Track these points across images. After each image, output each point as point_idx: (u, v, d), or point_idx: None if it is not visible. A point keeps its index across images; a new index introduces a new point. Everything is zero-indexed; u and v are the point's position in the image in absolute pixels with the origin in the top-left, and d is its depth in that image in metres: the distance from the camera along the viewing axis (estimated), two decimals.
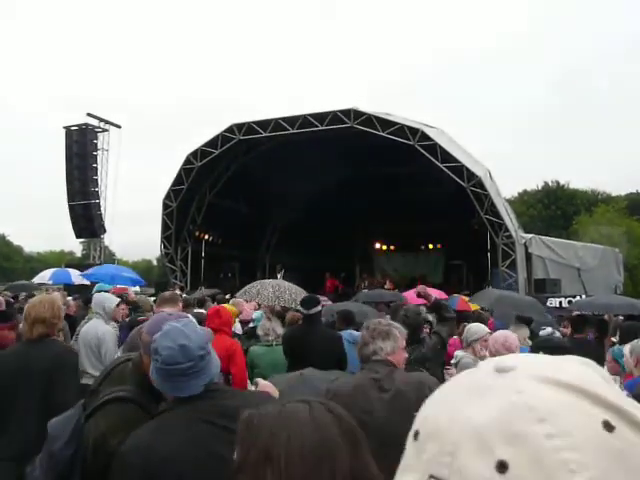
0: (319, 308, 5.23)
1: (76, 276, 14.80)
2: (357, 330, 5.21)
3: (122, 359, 2.37)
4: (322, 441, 0.85)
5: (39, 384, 3.00)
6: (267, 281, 7.13)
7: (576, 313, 7.39)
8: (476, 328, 4.93)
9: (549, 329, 5.35)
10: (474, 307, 10.60)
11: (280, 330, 4.93)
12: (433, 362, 4.30)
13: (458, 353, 4.71)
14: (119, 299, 5.63)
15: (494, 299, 9.13)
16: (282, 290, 6.93)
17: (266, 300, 6.78)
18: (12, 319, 4.19)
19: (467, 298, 10.93)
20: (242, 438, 0.90)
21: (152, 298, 11.89)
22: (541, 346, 3.22)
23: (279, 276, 16.68)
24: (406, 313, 4.53)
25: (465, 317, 7.98)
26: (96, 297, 5.51)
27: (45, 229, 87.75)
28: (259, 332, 5.11)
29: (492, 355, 4.17)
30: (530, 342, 5.06)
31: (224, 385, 2.12)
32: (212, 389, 1.88)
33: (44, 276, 15.03)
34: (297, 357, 4.46)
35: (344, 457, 0.85)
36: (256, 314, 6.84)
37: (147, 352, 2.04)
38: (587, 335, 5.85)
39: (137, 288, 16.15)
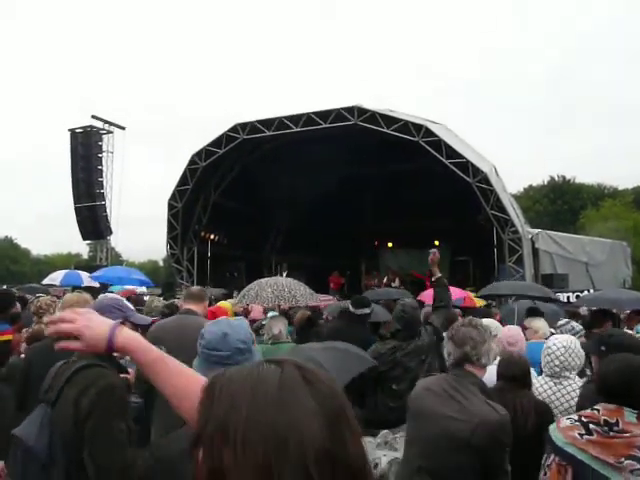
0: (367, 310, 5.18)
1: (86, 278, 14.84)
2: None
3: (58, 364, 2.42)
4: (289, 419, 0.70)
5: None
6: (264, 281, 7.06)
7: (594, 308, 7.32)
8: (493, 325, 4.94)
9: (564, 320, 5.31)
10: (479, 303, 10.57)
11: (276, 330, 4.81)
12: (430, 353, 4.28)
13: None
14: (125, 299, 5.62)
15: (488, 288, 9.17)
16: (281, 289, 6.91)
17: (266, 301, 6.77)
18: (19, 321, 4.22)
19: (473, 294, 10.92)
20: (202, 405, 0.77)
21: (160, 298, 11.93)
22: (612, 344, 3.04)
23: (284, 275, 16.66)
24: (403, 308, 4.50)
25: (473, 313, 7.95)
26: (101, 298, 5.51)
27: (52, 232, 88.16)
28: (268, 330, 5.08)
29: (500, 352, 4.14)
30: (552, 331, 5.00)
31: None
32: None
33: (54, 278, 15.06)
34: None
35: (316, 435, 0.70)
36: (271, 313, 6.83)
37: None
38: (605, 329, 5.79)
39: (144, 289, 16.20)
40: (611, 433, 1.93)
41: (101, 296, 6.13)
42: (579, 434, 1.96)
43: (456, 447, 2.36)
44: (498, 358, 4.01)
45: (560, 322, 5.11)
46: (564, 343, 3.42)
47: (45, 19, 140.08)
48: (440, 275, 4.59)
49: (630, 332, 4.52)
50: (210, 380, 0.80)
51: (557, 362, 3.35)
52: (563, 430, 2.01)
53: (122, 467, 2.06)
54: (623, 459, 1.87)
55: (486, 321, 4.99)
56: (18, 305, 6.09)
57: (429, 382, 2.73)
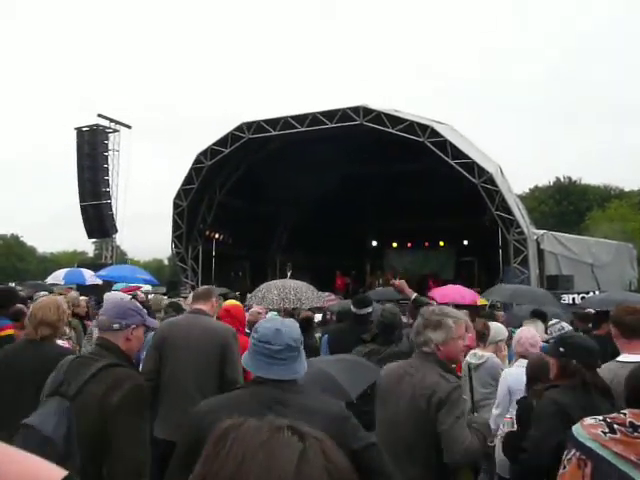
0: (369, 309, 5.21)
1: (89, 276, 14.90)
2: None
3: (69, 358, 2.47)
4: None
5: (30, 385, 2.90)
6: (272, 283, 7.14)
7: (596, 309, 7.30)
8: (501, 329, 4.94)
9: (555, 320, 5.31)
10: (482, 302, 10.55)
11: None
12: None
13: (483, 353, 4.63)
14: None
15: (509, 294, 9.07)
16: (287, 291, 6.97)
17: (271, 304, 6.82)
18: (21, 318, 4.24)
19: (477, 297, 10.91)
20: (207, 455, 0.70)
21: (164, 297, 11.99)
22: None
23: (288, 275, 16.67)
24: (382, 313, 4.51)
25: (477, 313, 7.94)
26: (107, 296, 5.55)
27: (57, 230, 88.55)
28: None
29: (520, 354, 4.15)
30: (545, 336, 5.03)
31: (308, 387, 2.18)
32: (293, 385, 2.03)
33: (57, 276, 15.13)
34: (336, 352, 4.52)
35: None
36: (271, 314, 6.87)
37: (107, 329, 2.48)
38: (607, 331, 5.77)
39: (149, 287, 16.25)
40: (635, 434, 1.93)
41: (109, 295, 6.16)
42: (602, 432, 1.97)
43: (419, 419, 2.60)
44: (521, 360, 4.01)
45: (550, 322, 5.10)
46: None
47: (44, 19, 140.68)
48: (416, 295, 4.53)
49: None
50: (221, 430, 0.73)
51: None
52: (586, 427, 2.02)
53: (141, 463, 2.18)
54: None
55: (497, 326, 5.02)
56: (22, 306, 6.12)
57: (392, 367, 2.95)
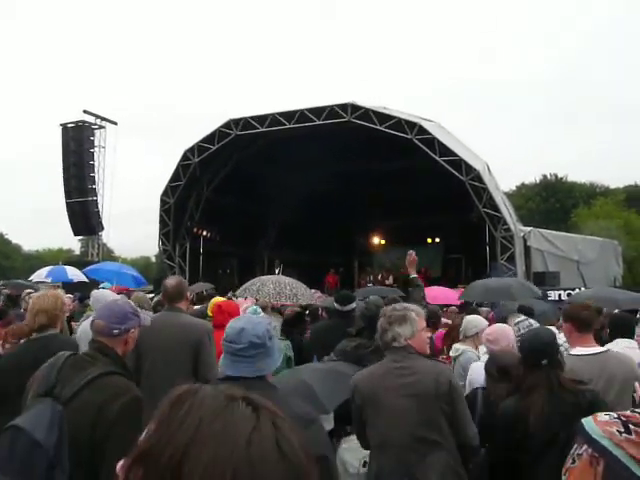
0: (353, 305, 5.23)
1: (72, 274, 14.76)
2: None
3: (65, 354, 2.38)
4: (250, 476, 0.63)
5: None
6: (266, 278, 7.10)
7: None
8: (475, 321, 4.89)
9: (522, 317, 5.29)
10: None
11: (275, 325, 4.90)
12: None
13: (458, 346, 4.67)
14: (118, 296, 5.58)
15: (482, 292, 9.05)
16: (282, 286, 6.92)
17: (267, 297, 6.75)
18: (6, 316, 4.21)
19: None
20: (160, 419, 0.69)
21: (151, 295, 11.90)
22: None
23: (277, 271, 16.65)
24: (366, 306, 4.52)
25: (462, 310, 7.98)
26: (95, 294, 5.47)
27: (43, 227, 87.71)
28: None
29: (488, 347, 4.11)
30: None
31: (272, 384, 2.17)
32: (259, 382, 2.02)
33: (40, 274, 14.97)
34: (321, 350, 4.52)
35: None
36: (251, 309, 6.79)
37: (106, 334, 2.40)
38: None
39: None
40: None
41: (97, 293, 6.05)
42: (617, 431, 1.85)
43: (428, 404, 2.62)
44: (485, 355, 4.01)
45: (518, 319, 5.07)
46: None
47: (37, 13, 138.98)
48: (415, 275, 4.69)
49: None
50: (178, 394, 0.72)
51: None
52: (600, 424, 1.91)
53: None
54: None
55: (473, 318, 5.01)
56: None
57: (369, 371, 2.96)
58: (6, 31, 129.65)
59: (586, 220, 33.97)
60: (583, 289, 12.41)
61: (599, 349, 3.29)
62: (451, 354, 4.67)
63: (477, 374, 3.76)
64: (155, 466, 0.65)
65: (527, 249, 16.15)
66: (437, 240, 23.52)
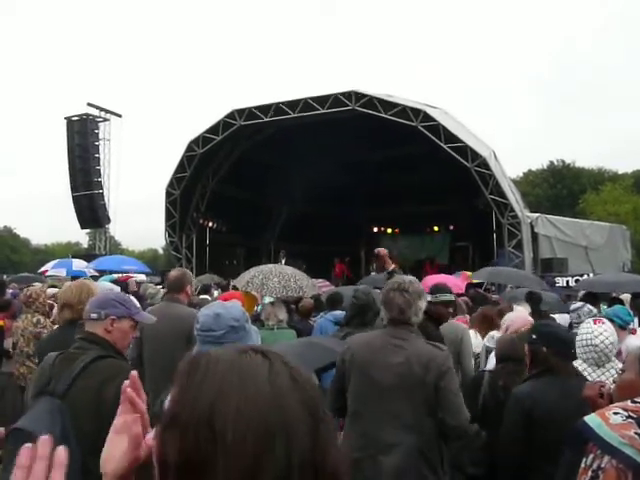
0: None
1: (77, 266, 14.83)
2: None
3: (54, 354, 2.38)
4: (279, 414, 0.68)
5: None
6: (267, 270, 6.93)
7: (586, 291, 7.32)
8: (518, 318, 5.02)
9: (579, 303, 5.32)
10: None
11: (283, 315, 4.90)
12: None
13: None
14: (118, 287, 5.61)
15: (487, 273, 9.15)
16: (287, 279, 6.83)
17: (274, 292, 6.66)
18: (9, 308, 4.23)
19: (470, 274, 11.01)
20: (182, 384, 0.72)
21: (159, 286, 11.94)
22: None
23: (283, 262, 16.62)
24: (355, 294, 4.49)
25: (471, 298, 7.93)
26: (100, 286, 5.49)
27: (51, 221, 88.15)
28: (262, 316, 5.08)
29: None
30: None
31: None
32: None
33: (47, 267, 15.05)
34: None
35: (303, 436, 0.68)
36: (266, 299, 6.80)
37: (86, 319, 2.41)
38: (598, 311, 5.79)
39: (143, 277, 16.21)
40: None
41: (99, 284, 6.09)
42: (636, 433, 1.74)
43: (414, 387, 2.63)
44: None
45: (575, 305, 5.10)
46: (608, 334, 3.34)
47: (39, 6, 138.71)
48: (394, 266, 4.57)
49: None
50: (193, 357, 0.76)
51: (602, 353, 3.20)
52: (616, 428, 1.77)
53: None
54: None
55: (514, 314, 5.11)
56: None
57: (367, 337, 2.99)
58: (10, 25, 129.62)
59: (594, 206, 33.74)
60: (591, 275, 12.33)
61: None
62: (487, 343, 4.65)
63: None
64: (188, 426, 0.67)
65: (534, 235, 16.04)
66: (444, 228, 23.42)
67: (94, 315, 2.41)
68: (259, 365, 0.72)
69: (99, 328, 2.40)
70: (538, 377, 2.81)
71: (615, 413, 1.82)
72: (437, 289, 4.44)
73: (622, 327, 4.26)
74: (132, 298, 2.64)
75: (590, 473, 1.75)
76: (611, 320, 3.84)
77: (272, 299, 6.44)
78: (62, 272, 14.33)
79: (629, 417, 1.78)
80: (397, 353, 2.72)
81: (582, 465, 1.79)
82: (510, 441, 2.73)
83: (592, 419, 1.85)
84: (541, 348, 2.89)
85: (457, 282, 10.55)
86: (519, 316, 4.14)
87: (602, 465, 1.74)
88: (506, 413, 2.80)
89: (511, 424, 2.75)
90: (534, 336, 2.97)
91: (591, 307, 4.91)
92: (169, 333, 3.78)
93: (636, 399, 1.82)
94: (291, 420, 0.68)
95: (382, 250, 4.56)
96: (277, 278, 6.73)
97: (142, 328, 3.82)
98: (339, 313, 5.30)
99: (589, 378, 3.24)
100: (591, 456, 1.77)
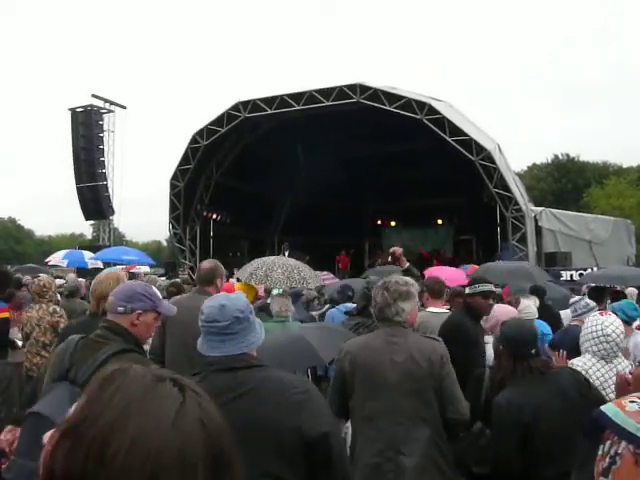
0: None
1: (89, 258, 14.90)
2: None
3: (76, 338, 2.40)
4: (174, 454, 0.66)
5: None
6: (270, 261, 6.88)
7: (593, 285, 7.31)
8: (530, 308, 5.05)
9: (577, 297, 5.30)
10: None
11: (292, 307, 4.92)
12: None
13: None
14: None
15: (481, 270, 9.10)
16: (290, 270, 6.79)
17: (278, 283, 6.64)
18: (14, 299, 4.27)
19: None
20: (90, 395, 0.72)
21: (162, 278, 11.98)
22: None
23: (286, 254, 16.64)
24: (367, 285, 4.50)
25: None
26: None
27: (55, 212, 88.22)
28: (275, 307, 4.98)
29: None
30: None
31: (260, 360, 2.11)
32: (247, 361, 1.99)
33: (57, 257, 15.08)
34: None
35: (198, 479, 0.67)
36: (275, 290, 6.79)
37: (112, 311, 2.42)
38: (603, 305, 5.77)
39: (147, 268, 16.26)
40: None
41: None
42: None
43: (421, 382, 2.65)
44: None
45: (573, 299, 5.06)
46: (618, 324, 3.30)
47: (46, 1, 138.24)
48: (409, 264, 4.65)
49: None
50: (110, 374, 0.74)
51: (613, 344, 3.23)
52: (632, 415, 1.77)
53: None
54: None
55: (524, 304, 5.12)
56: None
57: (364, 339, 3.01)
58: (14, 18, 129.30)
59: (599, 200, 33.63)
60: (595, 269, 12.31)
61: (442, 310, 4.63)
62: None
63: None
64: (82, 441, 0.66)
65: (538, 229, 16.00)
66: (448, 221, 23.41)
67: (121, 309, 2.40)
68: (171, 399, 0.71)
69: (125, 321, 2.40)
70: (515, 382, 2.78)
71: (632, 401, 1.83)
72: (475, 279, 4.24)
73: (627, 323, 4.14)
74: (155, 289, 2.62)
75: (608, 459, 1.77)
76: (615, 314, 3.81)
77: (280, 290, 6.43)
78: (64, 262, 14.39)
79: None
80: (398, 351, 2.74)
81: (599, 452, 1.80)
82: (507, 453, 2.66)
83: (609, 408, 1.86)
84: (499, 347, 2.95)
85: (457, 275, 10.40)
86: (504, 312, 4.03)
87: (619, 451, 1.76)
88: (495, 424, 2.75)
89: (505, 435, 2.69)
90: (498, 335, 3.01)
91: (589, 301, 4.87)
92: (197, 326, 3.78)
93: None
94: (186, 463, 0.67)
95: (397, 250, 4.65)
96: (281, 269, 6.69)
97: (167, 319, 3.86)
98: (350, 305, 5.34)
99: (598, 374, 3.25)
100: (608, 443, 1.79)
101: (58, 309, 4.54)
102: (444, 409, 2.67)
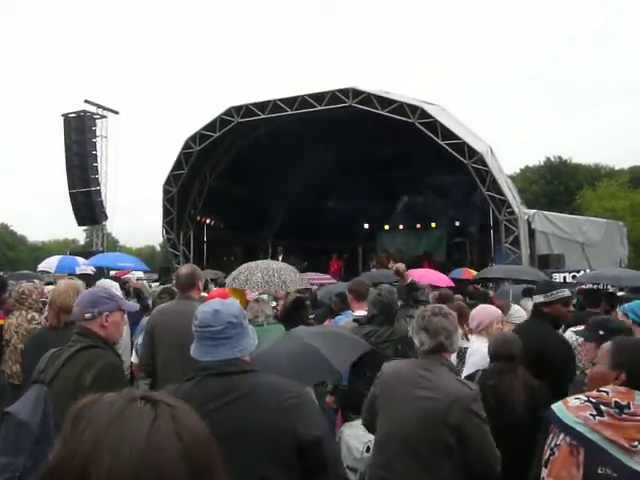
0: None
1: (82, 264, 14.80)
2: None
3: (55, 349, 2.55)
4: (153, 471, 0.66)
5: None
6: (254, 265, 6.90)
7: (588, 287, 7.34)
8: (520, 312, 5.07)
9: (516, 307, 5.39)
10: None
11: (269, 310, 4.91)
12: (403, 343, 4.26)
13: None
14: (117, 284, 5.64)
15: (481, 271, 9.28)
16: (271, 273, 6.79)
17: (255, 287, 6.63)
18: (5, 306, 4.28)
19: (473, 271, 10.99)
20: (64, 435, 0.72)
21: (156, 283, 11.94)
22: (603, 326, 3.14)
23: (280, 258, 16.63)
24: (380, 292, 4.48)
25: (470, 296, 7.96)
26: (99, 284, 5.52)
27: (48, 218, 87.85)
28: (248, 314, 4.97)
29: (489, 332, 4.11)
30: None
31: (251, 364, 2.11)
32: (241, 366, 2.00)
33: (51, 264, 14.97)
34: None
35: None
36: (264, 296, 6.81)
37: (80, 319, 2.53)
38: (599, 309, 5.79)
39: (141, 274, 16.18)
40: (623, 415, 1.86)
41: (101, 283, 6.12)
42: (591, 414, 1.88)
43: (433, 425, 2.48)
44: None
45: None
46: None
47: (39, 6, 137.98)
48: (411, 279, 4.70)
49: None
50: (78, 408, 0.75)
51: None
52: (572, 409, 1.93)
53: None
54: (636, 443, 1.81)
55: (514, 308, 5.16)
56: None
57: (397, 365, 2.84)
58: (7, 22, 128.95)
59: (591, 202, 33.80)
60: (588, 271, 12.37)
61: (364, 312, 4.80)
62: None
63: (482, 359, 3.76)
64: (65, 476, 0.67)
65: (531, 232, 16.07)
66: (441, 224, 23.47)
67: (88, 315, 2.53)
68: (142, 418, 0.71)
69: (95, 325, 2.53)
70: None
71: (576, 399, 1.97)
72: (548, 285, 3.88)
73: (638, 324, 4.17)
74: (114, 289, 2.79)
75: (549, 451, 1.92)
76: (625, 315, 3.77)
77: (264, 296, 6.45)
78: (52, 269, 14.28)
79: (587, 401, 1.93)
80: (423, 386, 2.58)
81: (545, 446, 1.96)
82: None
83: (557, 405, 2.00)
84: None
85: (442, 277, 10.41)
86: (487, 313, 3.98)
87: (557, 442, 1.91)
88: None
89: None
90: (601, 332, 3.09)
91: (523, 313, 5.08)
92: (184, 332, 3.77)
93: (601, 388, 1.95)
94: (166, 478, 0.67)
95: (400, 266, 4.70)
96: (261, 273, 6.68)
97: (154, 328, 3.87)
98: (358, 313, 5.32)
99: None
100: (551, 435, 1.95)
101: (37, 316, 4.50)
102: (467, 462, 2.49)
